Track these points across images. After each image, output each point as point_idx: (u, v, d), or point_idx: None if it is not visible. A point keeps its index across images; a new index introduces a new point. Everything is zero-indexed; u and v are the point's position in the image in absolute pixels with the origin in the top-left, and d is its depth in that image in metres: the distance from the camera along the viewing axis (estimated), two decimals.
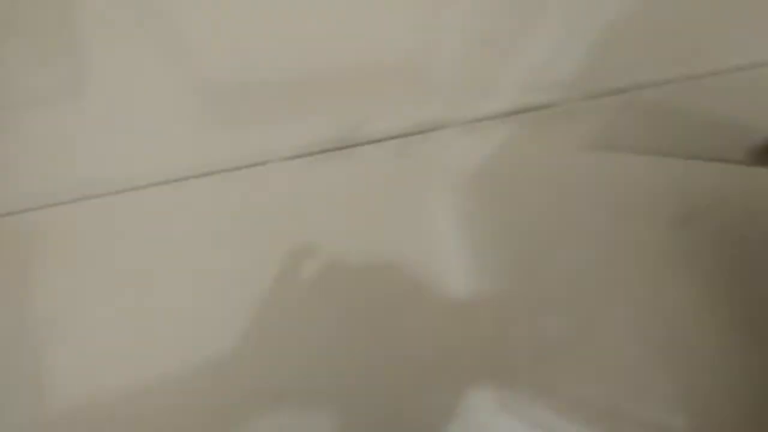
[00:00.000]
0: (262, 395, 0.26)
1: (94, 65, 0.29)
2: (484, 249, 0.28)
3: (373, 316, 0.27)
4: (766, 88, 0.30)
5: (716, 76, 0.29)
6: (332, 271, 0.28)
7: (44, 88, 0.30)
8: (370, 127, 0.29)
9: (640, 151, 0.28)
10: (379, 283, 0.28)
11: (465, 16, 0.30)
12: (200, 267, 0.28)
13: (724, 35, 0.28)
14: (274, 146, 0.29)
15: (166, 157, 0.29)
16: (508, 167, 0.29)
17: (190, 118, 0.30)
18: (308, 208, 0.29)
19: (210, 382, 0.26)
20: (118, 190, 0.28)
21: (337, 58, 0.31)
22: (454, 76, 0.31)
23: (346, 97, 0.30)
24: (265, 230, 0.28)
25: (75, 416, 0.25)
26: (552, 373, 0.27)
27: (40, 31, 0.30)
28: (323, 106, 0.30)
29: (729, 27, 0.31)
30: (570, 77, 0.29)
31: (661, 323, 0.27)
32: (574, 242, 0.29)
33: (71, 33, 0.29)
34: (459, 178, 0.29)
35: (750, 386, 0.26)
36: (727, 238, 0.26)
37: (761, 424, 0.25)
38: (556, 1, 0.30)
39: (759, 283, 0.25)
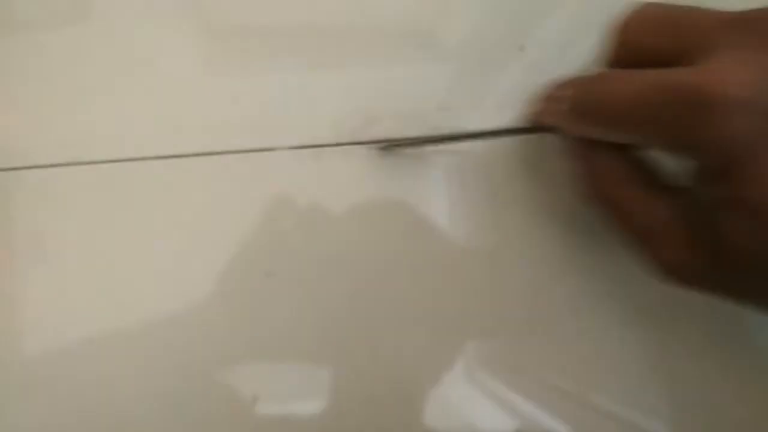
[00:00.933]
0: (252, 346, 0.28)
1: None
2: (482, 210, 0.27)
3: (369, 270, 0.28)
4: None
5: None
6: (329, 226, 0.28)
7: (42, 14, 0.29)
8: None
9: None
10: (375, 238, 0.28)
11: None
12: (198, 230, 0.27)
13: None
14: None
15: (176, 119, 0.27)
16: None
17: (203, 63, 0.28)
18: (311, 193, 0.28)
19: (193, 334, 0.28)
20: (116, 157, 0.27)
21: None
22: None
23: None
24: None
25: (50, 357, 0.27)
26: (529, 350, 0.28)
27: None
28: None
29: None
30: None
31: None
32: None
33: None
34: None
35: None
36: None
37: None
38: None
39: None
